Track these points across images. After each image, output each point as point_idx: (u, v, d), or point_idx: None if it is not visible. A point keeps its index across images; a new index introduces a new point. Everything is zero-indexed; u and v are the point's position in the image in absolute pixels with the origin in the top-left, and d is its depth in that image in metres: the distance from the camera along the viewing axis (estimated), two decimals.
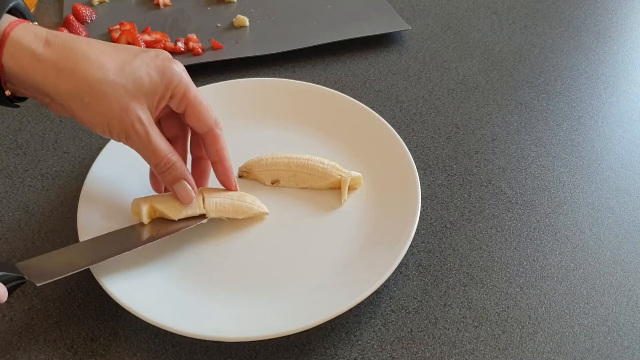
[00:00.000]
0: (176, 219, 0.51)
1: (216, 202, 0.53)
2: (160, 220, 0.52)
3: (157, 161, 0.48)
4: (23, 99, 0.48)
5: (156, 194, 0.53)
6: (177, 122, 0.52)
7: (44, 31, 0.44)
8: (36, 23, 0.46)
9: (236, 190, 0.54)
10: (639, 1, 0.92)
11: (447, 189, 0.61)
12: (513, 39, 0.83)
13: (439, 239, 0.56)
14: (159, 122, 0.51)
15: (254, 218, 0.55)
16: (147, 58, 0.46)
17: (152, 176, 0.54)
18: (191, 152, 0.54)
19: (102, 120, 0.45)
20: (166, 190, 0.53)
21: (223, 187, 0.54)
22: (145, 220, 0.51)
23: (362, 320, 0.50)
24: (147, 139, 0.46)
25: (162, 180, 0.50)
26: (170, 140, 0.51)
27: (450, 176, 0.62)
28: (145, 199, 0.51)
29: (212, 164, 0.53)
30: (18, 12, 0.46)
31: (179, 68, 0.48)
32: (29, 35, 0.43)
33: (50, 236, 0.55)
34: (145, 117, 0.46)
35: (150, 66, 0.46)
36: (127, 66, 0.45)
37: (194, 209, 0.52)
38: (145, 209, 0.50)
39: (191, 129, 0.52)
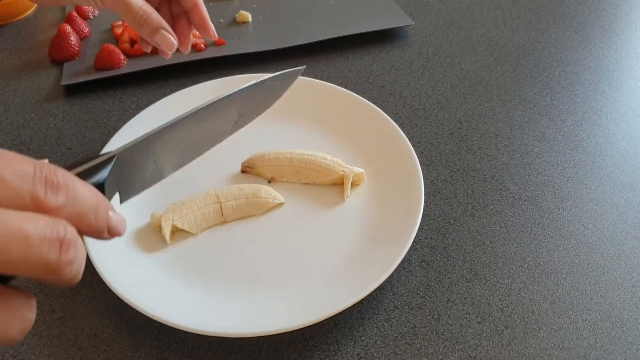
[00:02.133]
0: (197, 234, 0.54)
1: (233, 206, 0.54)
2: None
3: (133, 15, 0.50)
4: None
5: (173, 206, 0.53)
6: None
7: None
8: None
9: (214, 36, 0.56)
10: None
11: (451, 184, 0.61)
12: (517, 34, 0.82)
13: (442, 235, 0.56)
14: None
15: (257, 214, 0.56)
16: None
17: (141, 41, 0.57)
18: (172, 12, 0.57)
19: None
20: None
21: (234, 187, 0.55)
22: (169, 240, 0.52)
23: (366, 316, 0.50)
24: None
25: (143, 34, 0.52)
26: (157, 7, 0.55)
27: (454, 172, 0.62)
28: (166, 216, 0.52)
29: (188, 13, 0.55)
30: None
31: None
32: None
33: None
34: None
35: None
36: None
37: (214, 220, 0.54)
38: (168, 230, 0.52)
39: None
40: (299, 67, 0.51)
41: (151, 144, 0.38)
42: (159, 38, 0.52)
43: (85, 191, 0.29)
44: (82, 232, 0.29)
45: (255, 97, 0.46)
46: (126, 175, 0.36)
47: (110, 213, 0.31)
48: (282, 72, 0.48)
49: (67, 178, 0.28)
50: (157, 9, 0.55)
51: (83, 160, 0.33)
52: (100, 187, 0.33)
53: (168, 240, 0.52)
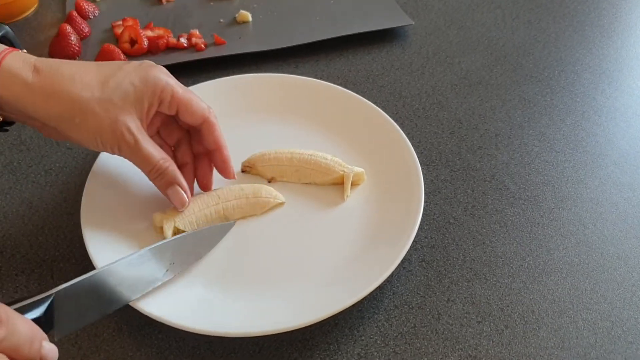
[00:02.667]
0: None
1: (233, 206, 0.54)
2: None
3: (149, 168, 0.50)
4: (11, 122, 0.50)
5: (173, 206, 0.53)
6: (176, 127, 0.53)
7: (32, 58, 0.46)
8: (24, 51, 0.48)
9: (234, 177, 0.56)
10: None
11: (451, 184, 0.61)
12: (517, 33, 0.82)
13: (442, 235, 0.56)
14: (158, 132, 0.53)
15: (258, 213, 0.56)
16: (129, 69, 0.48)
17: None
18: (193, 151, 0.55)
19: (95, 137, 0.47)
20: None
21: (235, 187, 0.55)
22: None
23: (366, 315, 0.50)
24: (137, 147, 0.48)
25: (156, 185, 0.51)
26: (175, 146, 0.54)
27: (454, 171, 0.62)
28: (168, 216, 0.52)
29: (210, 153, 0.54)
30: (7, 40, 0.49)
31: (162, 73, 0.49)
32: (18, 63, 0.45)
33: (53, 232, 0.55)
34: (134, 126, 0.48)
35: (133, 76, 0.48)
36: (110, 80, 0.47)
37: (216, 220, 0.54)
38: (169, 232, 0.52)
39: (188, 125, 0.53)
40: (230, 222, 0.54)
41: (86, 285, 0.42)
42: (171, 192, 0.51)
43: (23, 325, 0.33)
44: None
45: (187, 247, 0.50)
46: (61, 313, 0.40)
47: (44, 343, 0.35)
48: (213, 225, 0.53)
49: (8, 313, 0.33)
50: (176, 146, 0.54)
51: (25, 296, 0.38)
52: (37, 320, 0.37)
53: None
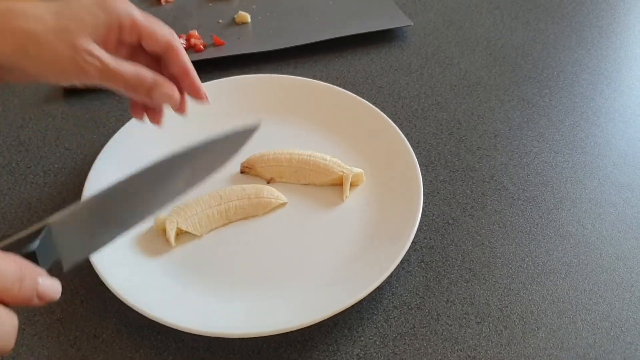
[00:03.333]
0: (201, 236, 0.53)
1: (236, 206, 0.54)
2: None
3: (124, 82, 0.46)
4: None
5: (177, 208, 0.53)
6: (143, 55, 0.51)
7: None
8: None
9: (206, 99, 0.52)
10: None
11: (450, 185, 0.61)
12: (515, 34, 0.82)
13: (441, 235, 0.56)
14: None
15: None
16: (86, 0, 0.46)
17: (132, 105, 0.52)
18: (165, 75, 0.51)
19: (54, 67, 0.45)
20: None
21: (237, 188, 0.55)
22: (174, 243, 0.52)
23: (365, 316, 0.50)
24: (104, 66, 0.45)
25: (139, 98, 0.49)
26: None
27: (453, 172, 0.62)
28: (170, 218, 0.52)
29: (178, 78, 0.51)
30: None
31: (120, 1, 0.47)
32: None
33: None
34: (94, 47, 0.45)
35: (89, 5, 0.46)
36: (65, 11, 0.45)
37: (218, 221, 0.54)
38: (173, 233, 0.52)
39: (153, 52, 0.50)
40: (255, 124, 0.46)
41: (92, 209, 0.38)
42: (158, 95, 0.48)
43: (7, 264, 0.30)
44: (8, 304, 0.30)
45: (207, 155, 0.44)
46: (64, 243, 0.36)
47: (40, 280, 0.32)
48: (236, 129, 0.45)
49: None
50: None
51: (10, 234, 0.34)
52: (31, 256, 0.33)
53: (173, 243, 0.52)
